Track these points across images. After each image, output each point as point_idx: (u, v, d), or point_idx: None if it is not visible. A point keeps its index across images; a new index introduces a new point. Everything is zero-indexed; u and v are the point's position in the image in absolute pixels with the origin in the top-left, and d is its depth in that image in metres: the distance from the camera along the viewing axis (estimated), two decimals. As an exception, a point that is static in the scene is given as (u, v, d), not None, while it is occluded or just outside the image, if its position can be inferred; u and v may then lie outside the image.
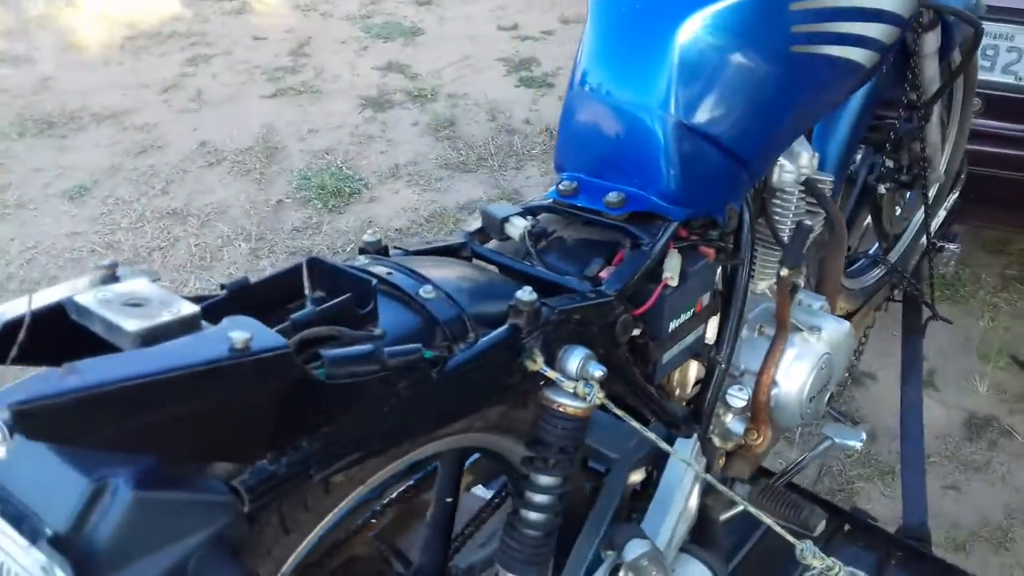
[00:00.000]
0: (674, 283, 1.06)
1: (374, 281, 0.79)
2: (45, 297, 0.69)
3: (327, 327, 0.74)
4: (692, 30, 1.10)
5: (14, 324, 0.66)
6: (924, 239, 1.95)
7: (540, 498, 0.97)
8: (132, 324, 0.64)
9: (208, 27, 5.19)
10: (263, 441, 0.70)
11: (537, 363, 0.89)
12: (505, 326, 0.88)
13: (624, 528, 1.05)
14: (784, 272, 1.22)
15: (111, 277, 0.72)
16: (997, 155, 2.50)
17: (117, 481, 0.64)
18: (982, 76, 2.36)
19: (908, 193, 1.86)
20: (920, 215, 1.89)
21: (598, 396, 0.91)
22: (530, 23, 5.34)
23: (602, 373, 0.92)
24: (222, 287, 0.79)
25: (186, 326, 0.66)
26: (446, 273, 0.95)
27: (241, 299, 0.78)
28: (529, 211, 1.16)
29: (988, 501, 2.30)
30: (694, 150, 1.12)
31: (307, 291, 0.83)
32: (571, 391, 0.91)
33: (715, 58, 1.11)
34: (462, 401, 0.87)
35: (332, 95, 4.41)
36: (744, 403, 1.26)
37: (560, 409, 0.94)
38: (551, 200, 1.18)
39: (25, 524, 0.64)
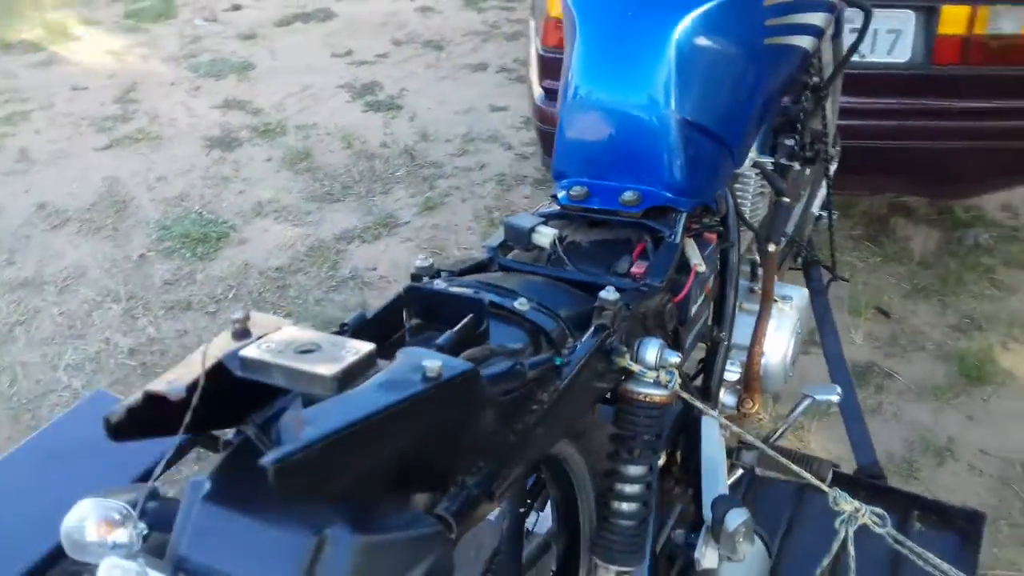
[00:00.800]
0: (702, 269, 1.12)
1: (487, 300, 0.80)
2: (196, 365, 0.67)
3: (482, 347, 0.75)
4: (685, 31, 1.16)
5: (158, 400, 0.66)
6: (816, 209, 2.11)
7: (631, 488, 1.00)
8: (327, 368, 0.63)
9: (18, 82, 4.84)
10: (454, 466, 0.70)
11: (626, 358, 0.92)
12: (593, 327, 0.90)
13: (722, 500, 1.09)
14: (772, 248, 1.30)
15: (245, 330, 0.71)
16: (843, 127, 2.73)
17: (335, 532, 0.62)
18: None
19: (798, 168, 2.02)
20: (809, 188, 2.05)
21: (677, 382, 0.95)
22: (363, 48, 5.31)
23: (678, 359, 0.96)
24: (343, 326, 0.78)
25: (369, 364, 0.65)
26: (522, 285, 0.96)
27: (362, 333, 0.77)
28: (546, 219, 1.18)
29: (888, 438, 2.50)
30: (694, 143, 1.18)
31: (405, 319, 0.83)
32: (654, 380, 0.94)
33: (706, 55, 1.18)
34: (577, 405, 0.89)
35: (173, 139, 4.22)
36: (738, 376, 1.34)
37: (645, 399, 0.98)
38: (563, 206, 1.21)
39: None
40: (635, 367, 0.93)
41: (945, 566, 1.07)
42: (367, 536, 0.64)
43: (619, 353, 0.92)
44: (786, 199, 1.38)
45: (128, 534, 0.77)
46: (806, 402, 1.53)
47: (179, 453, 1.06)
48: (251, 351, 0.66)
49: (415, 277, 1.01)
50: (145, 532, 0.77)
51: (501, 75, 4.94)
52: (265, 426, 0.71)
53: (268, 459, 0.57)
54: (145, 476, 1.31)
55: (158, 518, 0.78)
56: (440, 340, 0.76)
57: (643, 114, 1.18)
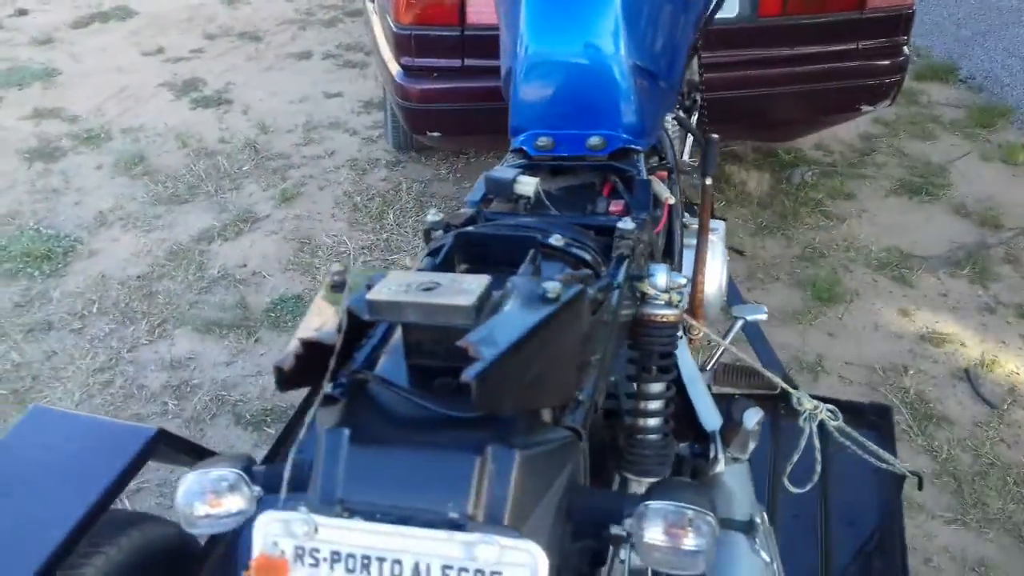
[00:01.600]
0: (673, 201, 1.21)
1: (537, 237, 0.84)
2: (327, 314, 0.68)
3: (582, 271, 0.80)
4: None
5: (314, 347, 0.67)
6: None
7: (653, 405, 1.06)
8: (463, 299, 0.66)
9: None
10: (572, 379, 0.74)
11: (646, 283, 0.99)
12: (617, 255, 0.96)
13: (739, 402, 1.18)
14: (708, 181, 1.41)
15: (342, 282, 0.72)
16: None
17: (494, 450, 0.65)
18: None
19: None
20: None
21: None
22: (174, 45, 5.06)
23: (684, 280, 1.03)
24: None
25: (490, 293, 0.69)
26: (539, 225, 1.01)
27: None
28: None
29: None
30: (644, 85, 1.26)
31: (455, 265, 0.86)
32: (666, 301, 1.02)
33: (650, 8, 1.27)
34: (623, 326, 0.95)
35: (-17, 156, 3.87)
36: (687, 306, 1.44)
37: (660, 319, 1.04)
38: (531, 157, 1.25)
39: (423, 519, 0.64)
40: (651, 290, 1.01)
41: (884, 453, 1.23)
42: (523, 450, 0.68)
43: (641, 278, 1.00)
44: (715, 135, 1.50)
45: (246, 498, 0.76)
46: (739, 323, 1.66)
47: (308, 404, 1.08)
48: (378, 294, 0.68)
49: (428, 232, 1.04)
50: (260, 495, 0.77)
51: (328, 62, 4.87)
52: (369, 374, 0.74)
53: (471, 373, 0.60)
54: (110, 491, 1.25)
55: (268, 480, 0.78)
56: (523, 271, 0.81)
57: (598, 63, 1.25)
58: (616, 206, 1.17)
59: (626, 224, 1.00)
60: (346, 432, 0.70)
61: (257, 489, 0.78)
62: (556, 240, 0.96)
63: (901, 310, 3.00)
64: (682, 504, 0.69)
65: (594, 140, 1.24)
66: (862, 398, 2.59)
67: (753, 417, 1.15)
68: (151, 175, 3.72)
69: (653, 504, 0.70)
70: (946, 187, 3.72)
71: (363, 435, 0.70)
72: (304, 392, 1.09)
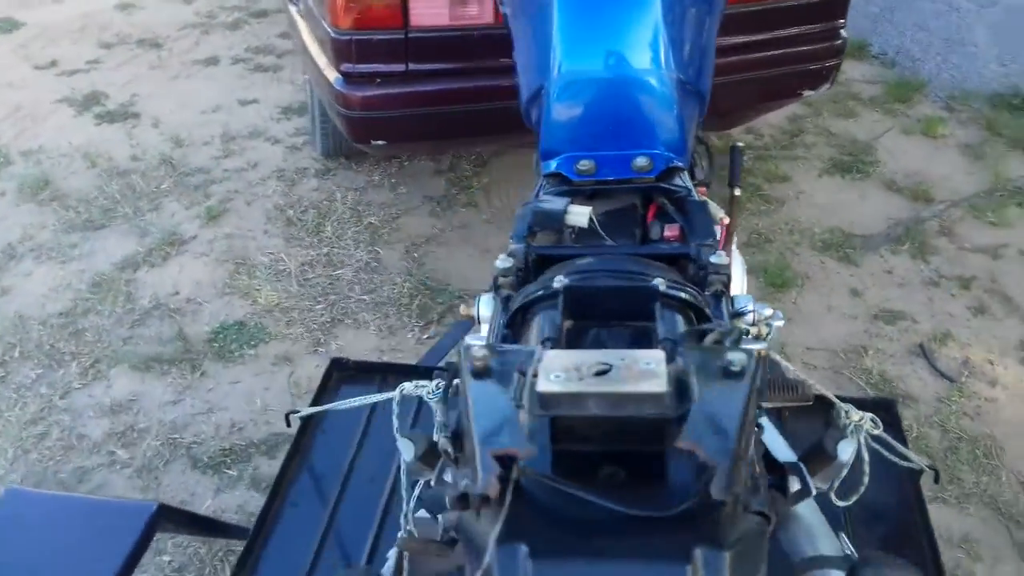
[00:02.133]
0: (727, 221, 1.13)
1: (657, 287, 0.78)
2: None
3: (716, 331, 0.73)
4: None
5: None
6: None
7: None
8: (654, 386, 0.58)
9: None
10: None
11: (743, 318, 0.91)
12: (714, 290, 0.89)
13: (831, 433, 1.11)
14: (737, 192, 1.34)
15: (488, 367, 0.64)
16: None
17: (704, 554, 0.63)
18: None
19: None
20: None
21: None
22: (69, 56, 4.74)
23: (772, 311, 0.96)
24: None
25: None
26: (634, 267, 0.92)
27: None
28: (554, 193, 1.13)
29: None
30: (686, 101, 1.19)
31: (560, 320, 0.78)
32: (755, 335, 0.94)
33: (683, 14, 1.18)
34: None
35: None
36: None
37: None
38: (574, 182, 1.16)
39: None
40: (741, 324, 0.94)
41: (905, 450, 1.19)
42: (729, 549, 0.62)
43: (739, 315, 0.92)
44: (740, 144, 1.44)
45: None
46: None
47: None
48: (551, 385, 0.59)
49: (498, 282, 0.96)
50: None
51: (238, 67, 4.64)
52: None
53: (721, 490, 0.58)
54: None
55: None
56: (666, 334, 0.73)
57: (641, 77, 1.17)
58: (671, 230, 1.10)
59: (720, 259, 0.93)
60: (523, 548, 0.60)
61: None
62: (659, 284, 0.88)
63: (851, 290, 3.03)
64: None
65: (641, 161, 1.16)
66: (831, 384, 2.60)
67: (847, 449, 1.09)
68: (60, 200, 3.46)
69: None
70: (875, 164, 3.78)
71: (544, 548, 0.61)
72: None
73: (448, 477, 1.19)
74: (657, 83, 1.16)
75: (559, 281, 0.91)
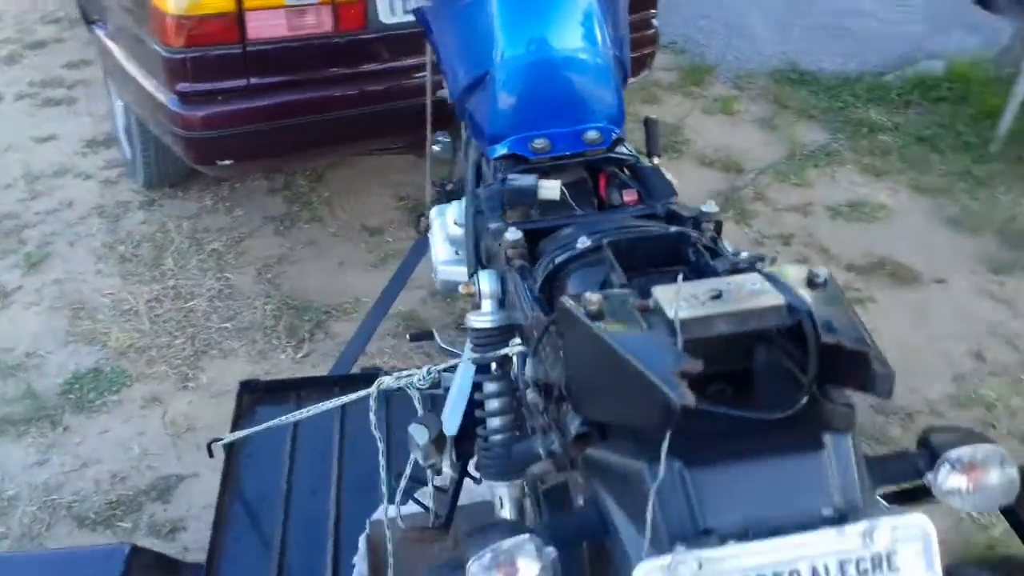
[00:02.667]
0: (676, 182, 1.20)
1: (690, 235, 0.85)
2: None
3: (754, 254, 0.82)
4: None
5: None
6: None
7: None
8: (773, 300, 0.63)
9: None
10: None
11: None
12: (712, 240, 0.96)
13: None
14: (656, 161, 1.42)
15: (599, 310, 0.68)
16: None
17: (833, 439, 0.70)
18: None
19: None
20: None
21: None
22: None
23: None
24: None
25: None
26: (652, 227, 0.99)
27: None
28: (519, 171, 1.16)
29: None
30: (619, 73, 1.24)
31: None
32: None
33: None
34: None
35: None
36: None
37: None
38: (531, 160, 1.19)
39: (796, 524, 0.65)
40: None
41: None
42: (851, 432, 0.72)
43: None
44: (654, 116, 1.52)
45: (538, 568, 0.68)
46: None
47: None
48: (687, 313, 0.64)
49: (509, 255, 0.99)
50: (554, 554, 0.70)
51: (24, 103, 4.28)
52: None
53: (882, 373, 0.65)
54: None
55: (555, 533, 0.71)
56: (724, 268, 0.79)
57: (584, 56, 1.23)
58: (630, 195, 1.15)
59: (711, 207, 1.00)
60: (676, 463, 0.64)
61: (549, 549, 0.69)
62: (696, 233, 0.95)
63: (691, 259, 3.24)
64: (973, 445, 0.71)
65: (592, 134, 1.21)
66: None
67: None
68: None
69: (950, 453, 0.72)
70: (685, 143, 4.06)
71: (696, 460, 0.65)
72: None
73: (446, 464, 1.20)
74: (598, 60, 1.23)
75: (583, 242, 0.95)
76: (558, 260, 0.96)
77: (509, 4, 1.24)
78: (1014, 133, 3.93)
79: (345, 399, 1.24)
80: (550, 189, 1.15)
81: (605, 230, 0.98)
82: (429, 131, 2.11)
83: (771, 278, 0.72)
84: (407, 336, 2.16)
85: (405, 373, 1.15)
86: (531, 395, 0.84)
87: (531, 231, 1.07)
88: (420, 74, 2.75)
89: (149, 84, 2.64)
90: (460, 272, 1.53)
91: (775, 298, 0.68)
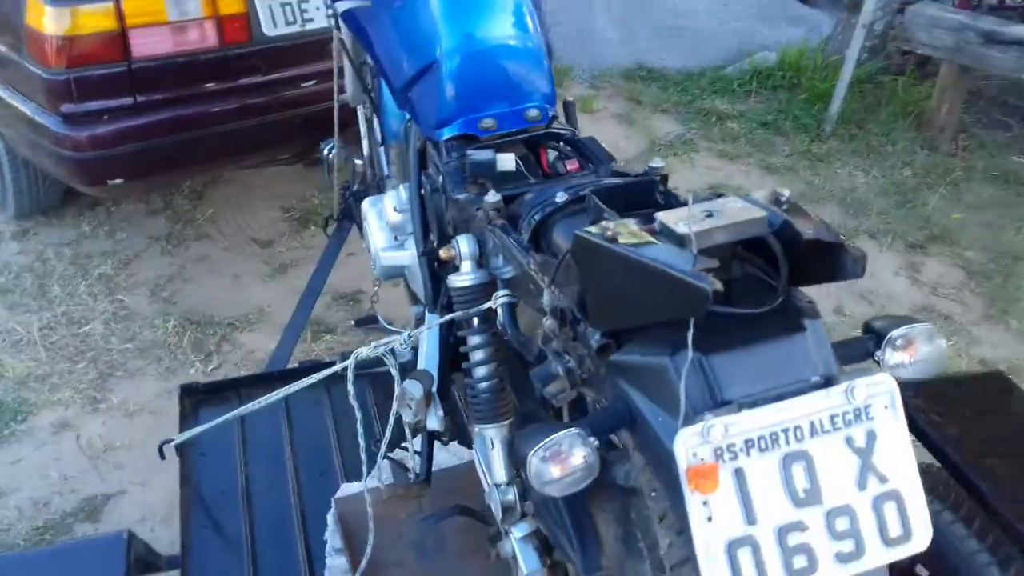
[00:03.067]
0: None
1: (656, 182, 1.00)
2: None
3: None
4: None
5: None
6: None
7: None
8: (757, 212, 0.79)
9: None
10: None
11: None
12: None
13: None
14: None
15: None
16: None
17: (809, 323, 0.86)
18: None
19: None
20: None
21: None
22: None
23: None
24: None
25: None
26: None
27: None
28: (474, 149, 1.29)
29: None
30: (549, 57, 1.38)
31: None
32: None
33: None
34: None
35: None
36: None
37: None
38: (482, 139, 1.31)
39: (794, 390, 0.80)
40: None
41: None
42: (818, 318, 0.89)
43: None
44: (569, 97, 1.67)
45: (586, 453, 0.81)
46: None
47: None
48: (693, 228, 0.78)
49: (490, 216, 1.10)
50: (596, 443, 0.82)
51: None
52: None
53: (856, 256, 0.81)
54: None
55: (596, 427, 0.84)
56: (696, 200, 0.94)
57: (521, 41, 1.36)
58: (572, 164, 1.29)
59: (657, 163, 1.15)
60: (691, 355, 0.79)
61: (592, 438, 0.84)
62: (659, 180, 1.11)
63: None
64: (908, 325, 0.89)
65: (533, 112, 1.35)
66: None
67: None
68: None
69: (893, 334, 0.89)
70: (553, 140, 4.27)
71: (708, 349, 0.80)
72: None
73: (432, 420, 1.30)
74: (531, 45, 1.37)
75: (561, 197, 1.08)
76: (541, 215, 1.08)
77: (449, 2, 1.36)
78: (844, 114, 4.36)
79: (320, 375, 1.30)
80: (507, 161, 1.28)
81: (577, 186, 1.12)
82: (337, 136, 2.20)
83: (748, 199, 0.88)
84: (351, 322, 2.17)
85: (383, 342, 1.25)
86: (548, 323, 0.95)
87: (506, 197, 1.20)
88: (307, 83, 2.84)
89: (27, 108, 2.59)
90: (403, 256, 1.64)
91: (758, 211, 0.83)
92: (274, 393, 1.45)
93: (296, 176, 3.83)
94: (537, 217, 1.09)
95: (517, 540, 1.18)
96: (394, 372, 1.26)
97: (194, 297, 3.02)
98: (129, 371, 2.66)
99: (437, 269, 1.45)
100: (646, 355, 0.85)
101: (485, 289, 1.20)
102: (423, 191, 1.47)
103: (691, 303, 0.76)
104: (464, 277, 1.20)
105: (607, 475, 1.08)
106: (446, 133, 1.36)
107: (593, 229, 0.87)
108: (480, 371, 1.20)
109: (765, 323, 0.83)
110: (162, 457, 1.63)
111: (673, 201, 1.09)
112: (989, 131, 4.51)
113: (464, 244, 1.19)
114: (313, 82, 2.83)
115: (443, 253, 1.21)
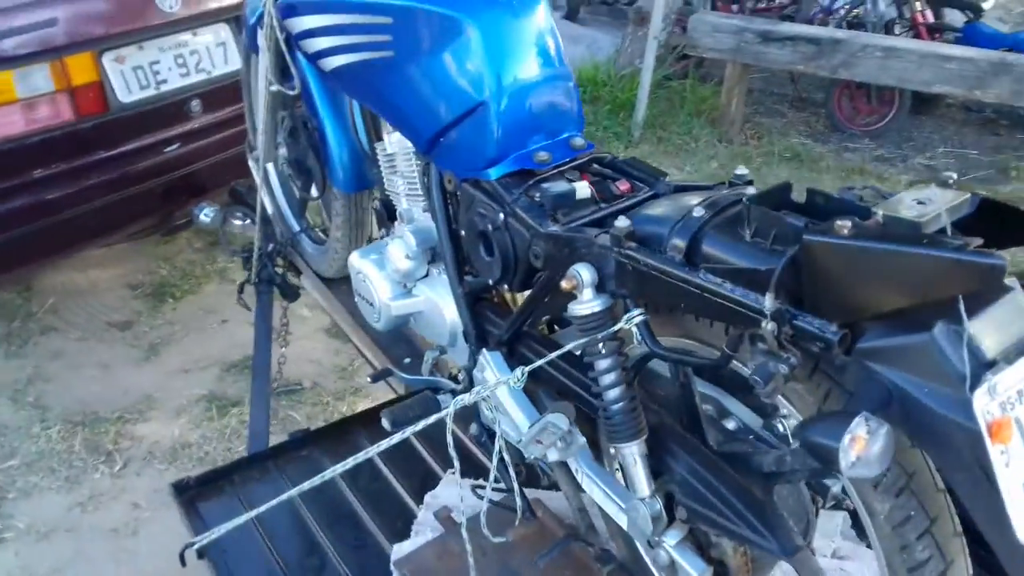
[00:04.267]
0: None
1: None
2: None
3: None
4: (542, 11, 1.43)
5: None
6: None
7: None
8: (961, 197, 0.87)
9: None
10: None
11: None
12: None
13: None
14: None
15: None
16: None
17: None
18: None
19: None
20: None
21: None
22: None
23: None
24: None
25: None
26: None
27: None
28: (541, 182, 1.31)
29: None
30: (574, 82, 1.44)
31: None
32: None
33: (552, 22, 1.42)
34: None
35: None
36: None
37: None
38: (541, 172, 1.33)
39: None
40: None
41: None
42: None
43: None
44: None
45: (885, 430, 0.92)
46: None
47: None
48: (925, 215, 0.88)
49: (623, 244, 1.17)
50: (887, 424, 0.93)
51: None
52: None
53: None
54: None
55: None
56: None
57: (559, 76, 1.40)
58: (624, 185, 1.34)
59: (742, 170, 1.22)
60: (951, 325, 0.88)
61: (880, 420, 0.91)
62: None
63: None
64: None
65: (578, 141, 1.38)
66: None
67: None
68: None
69: None
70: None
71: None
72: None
73: (554, 453, 1.30)
74: (564, 73, 1.40)
75: (699, 212, 1.12)
76: (690, 232, 1.10)
77: (495, 39, 1.35)
78: (648, 119, 4.71)
79: (420, 426, 1.21)
80: (583, 189, 1.31)
81: (711, 200, 1.15)
82: (262, 195, 2.10)
83: (932, 186, 0.98)
84: (368, 378, 2.03)
85: (490, 385, 1.24)
86: (770, 326, 0.97)
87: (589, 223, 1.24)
88: (169, 148, 2.68)
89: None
90: (415, 302, 1.61)
91: (964, 194, 0.94)
92: (352, 458, 1.26)
93: (130, 251, 3.56)
94: (686, 235, 1.12)
95: (674, 547, 1.21)
96: (488, 414, 1.24)
97: (66, 396, 2.73)
98: (23, 490, 2.37)
99: (475, 306, 1.47)
100: (898, 336, 0.92)
101: (609, 312, 1.21)
102: (458, 230, 1.46)
103: (986, 278, 0.84)
104: (590, 304, 1.21)
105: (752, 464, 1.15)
106: (498, 171, 1.36)
107: (824, 231, 0.93)
108: (612, 393, 1.21)
109: (984, 290, 0.94)
110: (183, 564, 1.48)
111: (816, 200, 1.14)
112: (768, 119, 5.05)
113: (585, 272, 1.20)
114: (176, 146, 2.68)
115: (565, 284, 1.21)
